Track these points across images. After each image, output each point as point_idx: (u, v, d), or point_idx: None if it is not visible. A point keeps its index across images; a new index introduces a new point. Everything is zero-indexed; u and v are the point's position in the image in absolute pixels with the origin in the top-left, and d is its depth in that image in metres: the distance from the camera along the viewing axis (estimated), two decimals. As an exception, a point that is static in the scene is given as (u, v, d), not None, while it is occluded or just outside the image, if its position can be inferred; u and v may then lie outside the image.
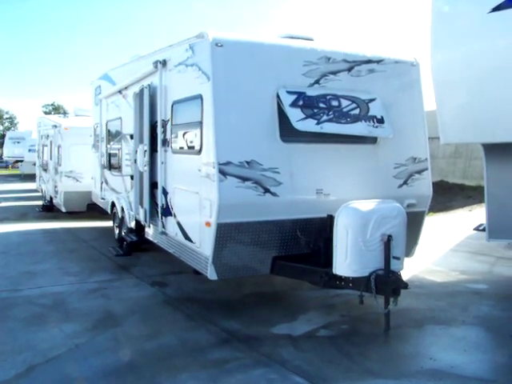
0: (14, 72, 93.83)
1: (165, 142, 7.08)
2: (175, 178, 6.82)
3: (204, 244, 5.89)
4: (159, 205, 7.23)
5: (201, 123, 5.85)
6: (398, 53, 6.98)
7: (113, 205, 10.74)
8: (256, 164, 5.74)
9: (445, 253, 9.66)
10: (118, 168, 10.10)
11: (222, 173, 5.54)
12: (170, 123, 6.90)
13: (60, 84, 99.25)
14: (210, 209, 5.64)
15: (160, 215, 7.22)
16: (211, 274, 5.80)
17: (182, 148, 6.61)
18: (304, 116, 5.92)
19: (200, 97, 5.87)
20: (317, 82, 6.23)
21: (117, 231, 10.78)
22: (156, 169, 7.49)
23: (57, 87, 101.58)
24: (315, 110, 6.04)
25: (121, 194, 9.99)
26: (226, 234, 5.68)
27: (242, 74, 5.84)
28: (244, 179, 5.66)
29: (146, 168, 7.50)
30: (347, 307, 6.40)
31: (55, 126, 15.16)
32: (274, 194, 5.81)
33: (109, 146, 11.08)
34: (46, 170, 16.84)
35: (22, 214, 15.47)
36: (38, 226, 13.00)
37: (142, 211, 7.80)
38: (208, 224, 5.70)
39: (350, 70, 6.45)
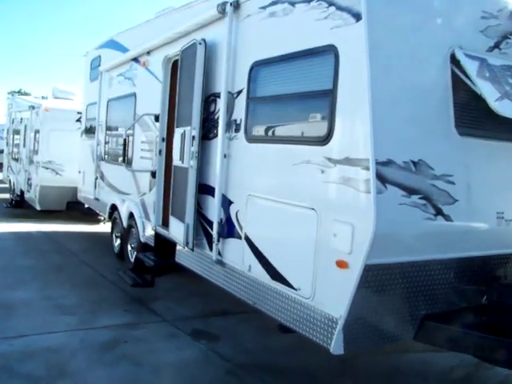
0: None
1: (232, 125, 4.67)
2: (253, 180, 4.42)
3: (326, 296, 3.53)
4: (215, 219, 4.80)
5: (331, 93, 3.49)
6: None
7: (113, 208, 8.22)
8: (425, 167, 3.42)
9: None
10: (127, 161, 7.60)
11: (381, 179, 3.20)
12: (244, 96, 4.50)
13: (27, 74, 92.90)
14: (351, 239, 3.28)
15: (216, 235, 4.79)
16: (337, 346, 3.42)
17: (273, 134, 4.23)
18: (499, 94, 3.63)
19: (332, 49, 3.50)
20: (497, 45, 3.95)
21: (117, 243, 8.29)
22: (207, 165, 5.10)
23: (24, 77, 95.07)
24: (507, 88, 3.77)
25: (129, 195, 7.48)
26: (372, 281, 3.35)
27: (405, 18, 3.52)
28: (410, 191, 3.33)
29: (194, 163, 5.04)
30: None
31: (33, 108, 12.46)
32: (446, 218, 3.50)
33: (111, 131, 8.57)
34: (16, 160, 14.04)
35: (-16, 211, 12.66)
36: (8, 228, 10.29)
37: (179, 226, 5.31)
38: (343, 264, 3.34)
39: (534, 33, 4.22)
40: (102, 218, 11.68)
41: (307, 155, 3.70)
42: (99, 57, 9.38)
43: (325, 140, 3.54)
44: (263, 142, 4.29)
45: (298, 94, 3.88)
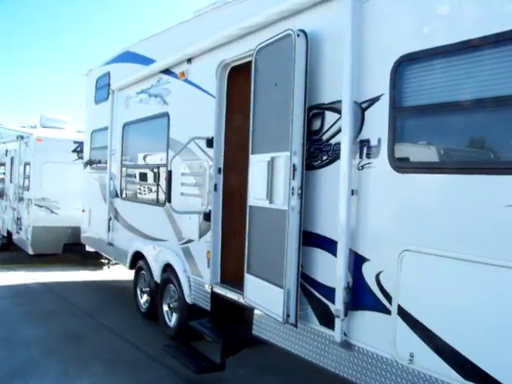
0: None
1: (360, 149, 3.27)
2: (413, 227, 2.96)
3: None
4: (339, 284, 3.32)
5: None
6: None
7: (137, 257, 6.66)
8: None
9: None
10: (157, 198, 6.14)
11: None
12: (385, 105, 3.09)
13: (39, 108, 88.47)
14: None
15: (341, 306, 3.31)
16: None
17: (454, 159, 2.81)
18: None
19: None
20: None
21: (143, 299, 6.72)
22: (313, 206, 3.66)
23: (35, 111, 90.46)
24: None
25: (163, 241, 5.96)
26: None
27: None
28: None
29: (296, 204, 3.58)
30: None
31: (21, 138, 10.89)
32: None
33: (129, 162, 7.08)
34: (1, 196, 12.33)
35: (-34, 257, 10.89)
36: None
37: (271, 291, 3.78)
38: None
39: None
40: (106, 262, 10.14)
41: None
42: (108, 74, 7.91)
43: None
44: (429, 170, 2.86)
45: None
